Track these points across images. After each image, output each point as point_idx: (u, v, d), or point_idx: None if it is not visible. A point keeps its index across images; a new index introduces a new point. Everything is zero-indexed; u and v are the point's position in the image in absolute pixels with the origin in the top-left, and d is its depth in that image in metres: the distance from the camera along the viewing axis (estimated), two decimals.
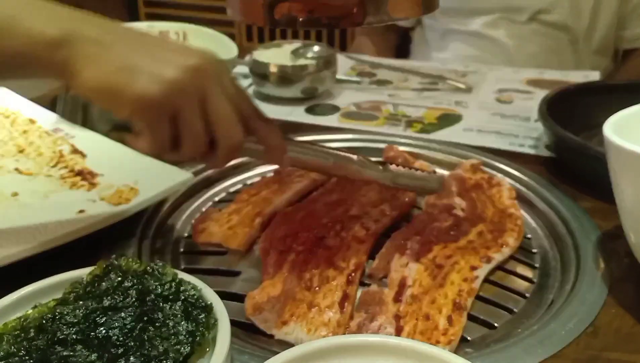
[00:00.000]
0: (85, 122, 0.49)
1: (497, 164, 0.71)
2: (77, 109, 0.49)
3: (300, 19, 0.46)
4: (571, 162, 0.69)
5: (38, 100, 0.86)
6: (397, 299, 0.50)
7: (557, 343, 0.45)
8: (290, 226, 0.58)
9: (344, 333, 0.47)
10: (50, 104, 0.52)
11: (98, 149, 0.71)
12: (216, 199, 0.69)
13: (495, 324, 0.49)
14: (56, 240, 0.53)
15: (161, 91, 0.44)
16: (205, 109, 0.46)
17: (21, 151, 0.72)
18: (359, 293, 0.51)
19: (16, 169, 0.67)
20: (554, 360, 0.43)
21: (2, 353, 0.37)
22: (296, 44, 0.97)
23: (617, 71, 1.36)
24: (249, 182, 0.71)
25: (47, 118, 0.80)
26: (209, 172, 0.70)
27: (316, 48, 0.96)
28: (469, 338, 0.48)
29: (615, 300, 0.50)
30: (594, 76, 1.02)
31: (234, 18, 0.50)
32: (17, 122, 0.79)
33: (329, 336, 0.46)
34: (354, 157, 0.57)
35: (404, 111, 0.89)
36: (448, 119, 0.85)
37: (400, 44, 1.50)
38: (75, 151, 0.71)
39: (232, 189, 0.70)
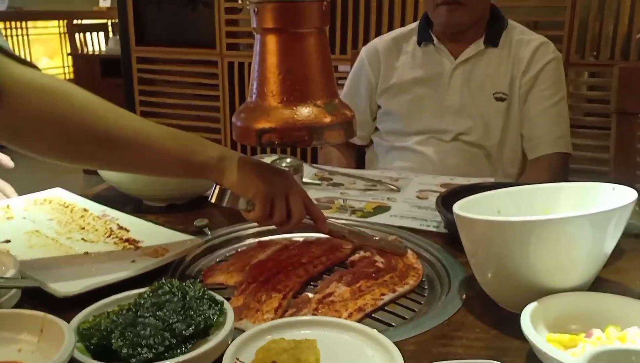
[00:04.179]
0: (227, 201, 0.88)
1: (409, 237, 1.05)
2: (225, 195, 0.88)
3: (277, 142, 0.80)
4: (455, 234, 1.02)
5: (84, 195, 1.19)
6: (320, 302, 0.81)
7: (423, 328, 0.76)
8: (262, 268, 0.90)
9: None
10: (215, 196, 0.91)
11: (136, 226, 1.03)
12: (217, 260, 1.00)
13: (393, 324, 0.80)
14: (119, 277, 0.83)
15: (269, 186, 0.85)
16: (288, 199, 0.86)
17: (82, 229, 1.03)
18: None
19: (82, 239, 0.99)
20: (419, 336, 0.74)
21: (109, 320, 0.68)
22: (274, 156, 1.33)
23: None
24: (239, 250, 1.03)
25: (95, 207, 1.12)
26: (215, 241, 1.03)
27: (288, 159, 1.31)
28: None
29: (466, 309, 0.81)
30: (489, 181, 1.37)
31: (237, 141, 0.85)
32: (75, 211, 1.11)
33: None
34: (355, 229, 1.01)
35: (351, 203, 1.22)
36: (381, 209, 1.19)
37: (360, 155, 1.88)
38: (121, 227, 1.03)
39: (228, 254, 1.02)
